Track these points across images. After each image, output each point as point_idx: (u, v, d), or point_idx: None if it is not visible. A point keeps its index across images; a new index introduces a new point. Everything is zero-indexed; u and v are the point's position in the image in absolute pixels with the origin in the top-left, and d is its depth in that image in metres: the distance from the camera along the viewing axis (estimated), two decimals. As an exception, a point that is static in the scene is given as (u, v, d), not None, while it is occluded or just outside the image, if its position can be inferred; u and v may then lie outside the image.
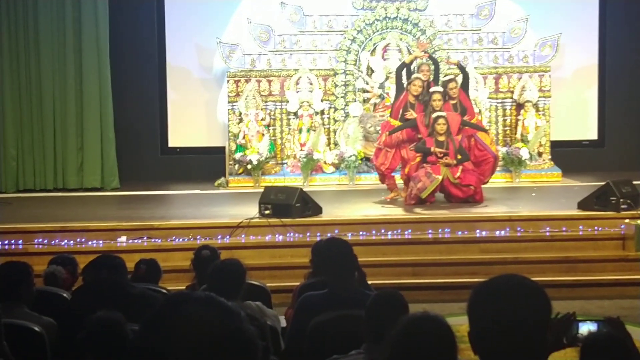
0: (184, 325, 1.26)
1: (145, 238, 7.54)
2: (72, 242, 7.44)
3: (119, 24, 11.64)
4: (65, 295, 4.53)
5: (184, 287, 5.23)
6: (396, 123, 9.04)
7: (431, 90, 8.90)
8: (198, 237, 7.51)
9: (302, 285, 4.65)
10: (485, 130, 9.76)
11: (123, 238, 7.50)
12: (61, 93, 11.12)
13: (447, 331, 2.34)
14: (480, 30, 11.48)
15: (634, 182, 8.17)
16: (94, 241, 7.47)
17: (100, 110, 11.20)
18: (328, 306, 3.80)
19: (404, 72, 9.37)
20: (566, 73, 12.13)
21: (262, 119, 11.14)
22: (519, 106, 11.32)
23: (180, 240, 7.53)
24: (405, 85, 9.14)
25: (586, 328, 2.57)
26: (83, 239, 7.48)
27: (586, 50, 12.26)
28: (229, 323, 1.27)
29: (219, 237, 7.53)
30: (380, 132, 9.59)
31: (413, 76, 9.16)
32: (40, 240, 7.52)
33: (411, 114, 8.96)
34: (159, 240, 7.54)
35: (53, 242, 7.47)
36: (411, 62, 9.50)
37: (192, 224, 7.81)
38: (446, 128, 8.62)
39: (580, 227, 7.66)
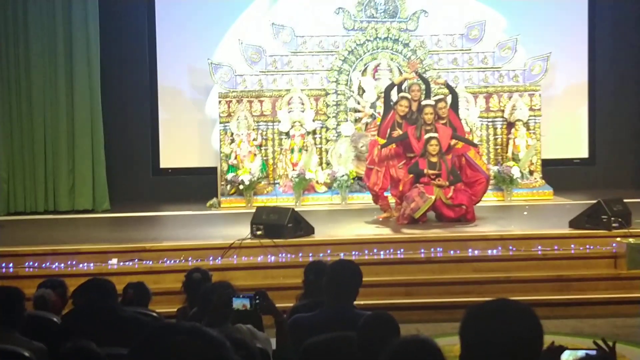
0: (169, 355, 1.25)
1: (136, 260, 7.50)
2: (62, 265, 7.40)
3: (110, 45, 11.66)
4: (55, 319, 4.50)
5: (175, 310, 5.20)
6: (384, 142, 9.07)
7: (422, 103, 8.96)
8: (190, 258, 7.48)
9: (295, 306, 4.62)
10: (476, 146, 9.79)
11: (114, 260, 7.46)
12: (52, 114, 11.11)
13: (438, 354, 2.33)
14: (470, 50, 11.56)
15: (625, 200, 8.19)
16: (85, 264, 7.42)
17: (91, 132, 11.20)
18: (319, 328, 3.78)
19: (393, 92, 9.43)
20: (556, 92, 12.21)
21: (254, 139, 11.15)
22: (510, 125, 11.38)
23: (172, 262, 7.49)
24: (392, 105, 9.20)
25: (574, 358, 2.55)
26: (74, 262, 7.43)
27: (576, 69, 12.34)
28: (214, 353, 1.27)
29: (211, 258, 7.50)
30: (369, 151, 9.61)
31: (399, 95, 9.22)
32: (31, 263, 7.47)
33: (398, 134, 9.00)
34: (150, 262, 7.50)
35: (44, 265, 7.42)
36: (400, 83, 9.55)
37: (183, 246, 7.78)
38: (438, 149, 8.65)
39: (572, 245, 7.66)
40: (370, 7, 11.50)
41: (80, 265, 7.40)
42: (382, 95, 10.67)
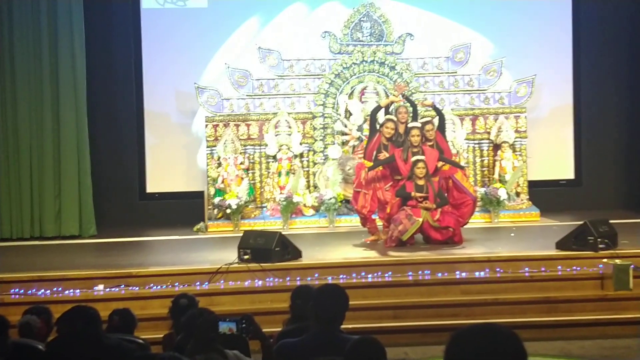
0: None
1: (122, 286, 7.44)
2: (48, 291, 7.32)
3: (97, 70, 11.67)
4: (40, 347, 4.46)
5: (161, 336, 5.16)
6: (370, 165, 9.08)
7: (409, 125, 8.99)
8: (176, 284, 7.44)
9: (282, 331, 4.59)
10: (462, 168, 9.83)
11: (100, 287, 7.40)
12: (38, 140, 11.05)
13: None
14: (456, 72, 11.63)
15: (611, 221, 8.22)
16: (71, 290, 7.36)
17: (77, 157, 11.14)
18: (306, 353, 3.76)
19: (379, 114, 9.46)
20: (542, 113, 12.29)
21: (241, 163, 11.14)
22: (496, 147, 11.43)
23: (158, 287, 7.43)
24: (378, 127, 9.23)
25: None
26: (60, 289, 7.36)
27: (561, 91, 12.44)
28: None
29: (198, 283, 7.45)
30: (356, 174, 9.62)
31: (385, 118, 9.25)
32: (17, 290, 7.41)
33: (384, 156, 9.02)
34: (137, 288, 7.44)
35: (29, 292, 7.35)
36: (387, 106, 9.59)
37: (170, 271, 7.73)
38: (425, 172, 8.68)
39: (559, 267, 7.67)
40: (356, 30, 11.56)
41: (66, 292, 7.33)
42: (369, 117, 10.73)
